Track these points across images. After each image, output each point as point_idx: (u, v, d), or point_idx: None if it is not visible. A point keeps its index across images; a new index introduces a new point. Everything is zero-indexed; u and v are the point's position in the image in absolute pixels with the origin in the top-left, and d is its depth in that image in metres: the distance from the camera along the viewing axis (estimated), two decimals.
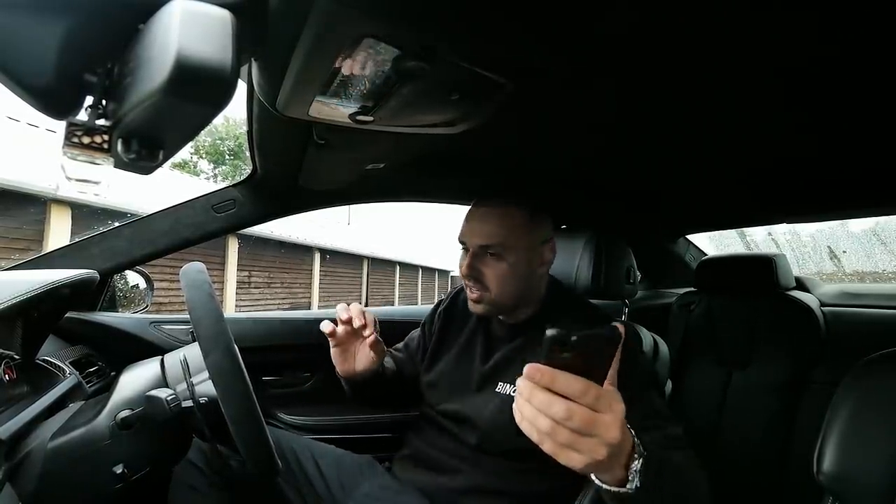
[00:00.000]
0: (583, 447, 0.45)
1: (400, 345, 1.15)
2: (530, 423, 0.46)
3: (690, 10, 0.46)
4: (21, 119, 5.06)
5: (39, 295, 0.81)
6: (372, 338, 0.88)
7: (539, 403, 0.45)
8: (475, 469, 0.85)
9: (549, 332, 0.44)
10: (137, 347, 1.19)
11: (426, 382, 1.01)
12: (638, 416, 0.68)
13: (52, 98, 0.39)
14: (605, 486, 0.50)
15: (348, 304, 0.89)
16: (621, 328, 0.46)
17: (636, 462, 0.49)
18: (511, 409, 0.51)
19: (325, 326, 0.88)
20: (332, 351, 0.92)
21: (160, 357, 0.89)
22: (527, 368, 0.45)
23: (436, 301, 1.17)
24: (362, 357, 0.92)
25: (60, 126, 0.42)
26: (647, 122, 0.80)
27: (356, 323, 0.85)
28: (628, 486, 0.48)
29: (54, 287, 0.85)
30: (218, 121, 15.03)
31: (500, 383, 0.87)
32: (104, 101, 0.42)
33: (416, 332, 1.15)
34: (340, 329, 0.88)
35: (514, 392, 0.62)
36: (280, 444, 0.95)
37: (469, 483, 0.84)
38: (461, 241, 0.91)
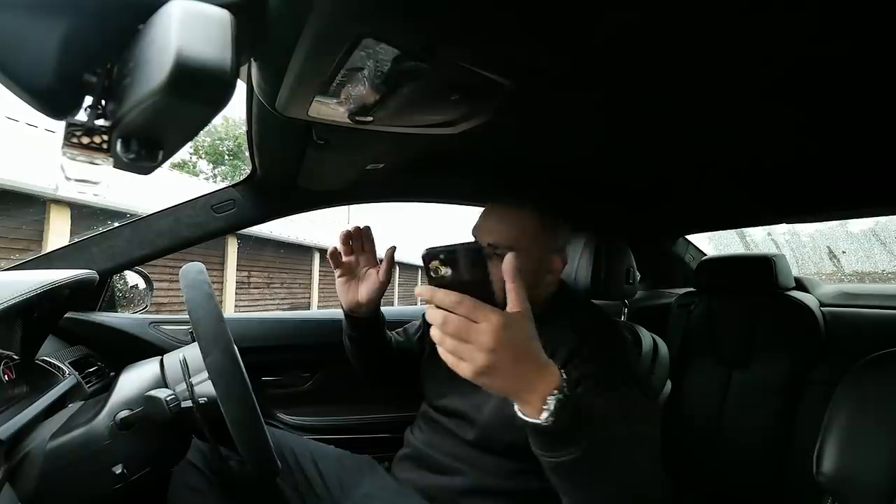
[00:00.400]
0: (464, 354, 0.50)
1: (399, 329, 1.17)
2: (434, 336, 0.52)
3: (690, 10, 0.46)
4: (20, 119, 5.06)
5: (39, 295, 0.81)
6: (371, 260, 0.95)
7: (429, 317, 0.52)
8: (474, 468, 0.85)
9: (423, 251, 0.51)
10: (137, 348, 1.19)
11: (426, 378, 1.01)
12: (609, 407, 0.69)
13: (51, 98, 0.39)
14: (520, 413, 0.54)
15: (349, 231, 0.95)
16: (511, 259, 0.53)
17: (552, 398, 0.52)
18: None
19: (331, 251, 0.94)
20: (337, 282, 0.96)
21: (160, 357, 0.89)
22: (417, 289, 0.53)
23: None
24: (366, 285, 0.94)
25: (60, 126, 0.42)
26: (646, 122, 0.80)
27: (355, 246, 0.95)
28: (542, 416, 0.52)
29: (54, 287, 0.85)
30: (217, 121, 15.02)
31: None
32: (104, 101, 0.42)
33: (415, 322, 1.18)
34: (344, 259, 0.95)
35: None
36: (280, 444, 0.95)
37: (468, 482, 0.84)
38: (473, 237, 0.92)
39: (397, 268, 12.59)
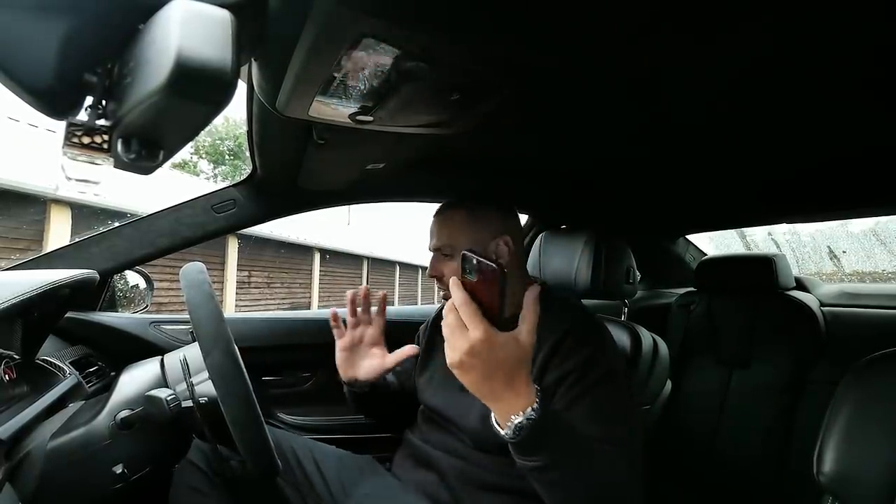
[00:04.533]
0: (449, 343, 0.57)
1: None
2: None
3: (689, 10, 0.46)
4: (21, 119, 5.06)
5: (39, 295, 0.81)
6: (376, 338, 0.94)
7: (452, 296, 0.58)
8: (473, 466, 0.85)
9: (463, 252, 0.59)
10: (137, 347, 1.19)
11: (419, 383, 1.02)
12: (585, 408, 0.73)
13: (52, 98, 0.39)
14: (494, 424, 0.60)
15: (357, 295, 0.94)
16: (535, 291, 0.59)
17: (518, 418, 0.57)
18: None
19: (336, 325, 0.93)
20: (338, 355, 0.94)
21: (160, 357, 0.89)
22: (452, 278, 0.59)
23: (435, 301, 1.18)
24: (368, 364, 0.93)
25: (60, 126, 0.42)
26: (646, 122, 0.80)
27: (363, 318, 0.94)
28: (504, 431, 0.58)
29: (54, 287, 0.85)
30: (218, 121, 15.02)
31: None
32: (104, 101, 0.42)
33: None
34: (347, 332, 0.93)
35: None
36: (280, 444, 0.95)
37: (468, 480, 0.84)
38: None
39: (397, 267, 12.60)
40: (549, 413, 0.59)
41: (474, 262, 0.57)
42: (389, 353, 0.95)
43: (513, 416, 0.57)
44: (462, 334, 0.55)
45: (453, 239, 0.91)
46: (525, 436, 0.57)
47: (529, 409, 0.57)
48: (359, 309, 0.94)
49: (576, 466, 0.62)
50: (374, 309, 0.97)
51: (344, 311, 0.95)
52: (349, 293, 0.94)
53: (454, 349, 0.56)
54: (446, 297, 0.93)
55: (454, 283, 0.58)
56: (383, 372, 0.93)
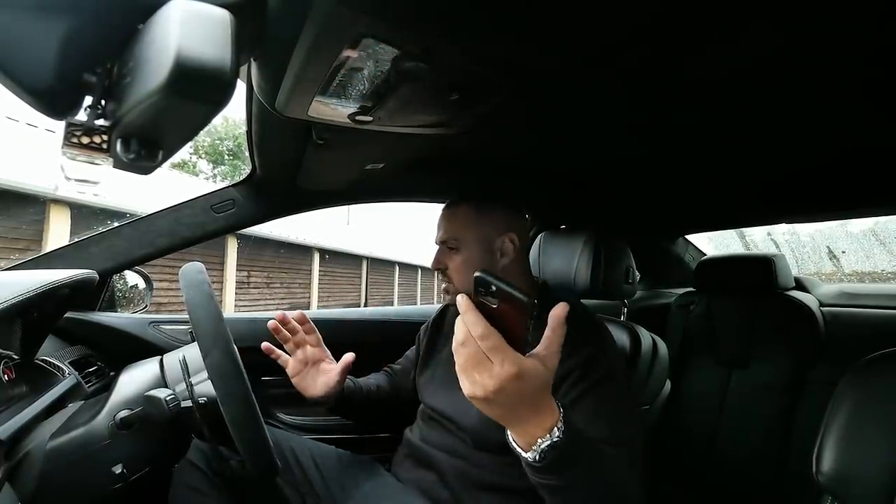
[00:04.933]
0: (468, 378, 0.51)
1: (400, 360, 1.17)
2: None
3: (689, 11, 0.46)
4: (20, 119, 5.05)
5: (39, 295, 0.81)
6: (319, 353, 0.96)
7: (457, 327, 0.52)
8: (473, 466, 0.85)
9: (477, 273, 0.51)
10: (136, 347, 1.19)
11: (419, 383, 1.02)
12: (588, 407, 0.72)
13: (51, 98, 0.39)
14: (511, 440, 0.56)
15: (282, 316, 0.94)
16: (563, 309, 0.52)
17: (545, 441, 0.53)
18: None
19: (266, 347, 0.93)
20: (293, 380, 0.95)
21: (159, 357, 0.89)
22: (459, 297, 0.52)
23: (435, 301, 1.18)
24: (324, 380, 0.94)
25: (60, 126, 0.42)
26: (646, 122, 0.80)
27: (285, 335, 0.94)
28: (528, 454, 0.54)
29: (54, 287, 0.85)
30: (217, 121, 15.01)
31: None
32: (104, 101, 0.42)
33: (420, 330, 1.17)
34: (291, 360, 0.95)
35: None
36: (279, 444, 0.95)
37: (468, 480, 0.84)
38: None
39: (397, 267, 12.60)
40: (574, 432, 0.56)
41: (493, 287, 0.50)
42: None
43: (539, 440, 0.53)
44: (486, 368, 0.50)
45: (460, 232, 0.92)
46: (551, 458, 0.54)
47: (555, 429, 0.54)
48: (294, 333, 0.95)
49: (590, 479, 0.60)
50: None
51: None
52: (270, 323, 0.93)
53: (476, 383, 0.51)
54: (446, 291, 0.95)
55: (469, 308, 0.51)
56: (337, 385, 0.94)
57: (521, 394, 0.50)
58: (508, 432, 0.56)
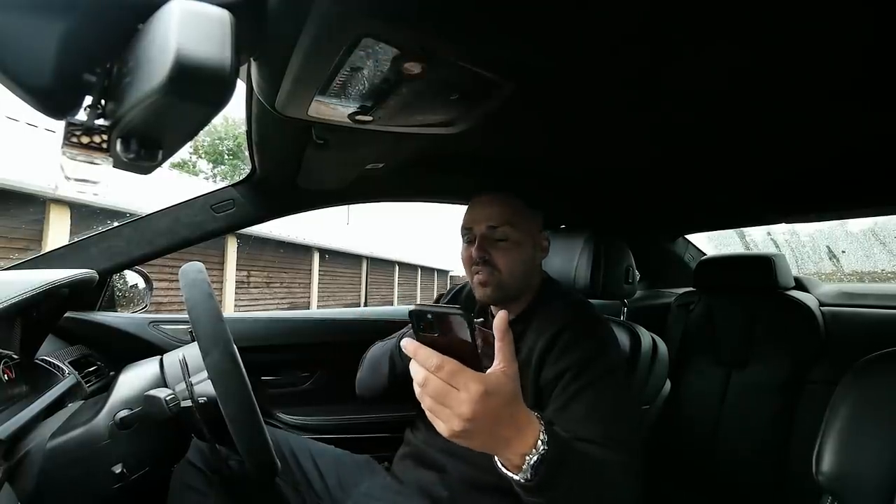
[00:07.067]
0: (441, 415, 0.50)
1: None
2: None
3: (689, 11, 0.46)
4: (20, 119, 5.05)
5: (39, 295, 0.81)
6: None
7: (412, 373, 0.52)
8: (473, 466, 0.85)
9: (411, 308, 0.51)
10: (136, 347, 1.19)
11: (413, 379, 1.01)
12: (582, 406, 0.72)
13: (51, 98, 0.39)
14: (499, 465, 0.55)
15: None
16: (502, 318, 0.52)
17: (533, 456, 0.52)
18: None
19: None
20: None
21: (159, 357, 0.89)
22: (403, 342, 0.52)
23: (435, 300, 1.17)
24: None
25: (60, 126, 0.42)
26: (646, 122, 0.80)
27: None
28: (520, 475, 0.53)
29: (53, 287, 0.85)
30: (217, 121, 15.00)
31: None
32: (103, 101, 0.42)
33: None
34: None
35: None
36: (279, 444, 0.95)
37: (468, 480, 0.84)
38: (465, 230, 0.92)
39: (396, 267, 12.60)
40: (558, 440, 0.56)
41: (429, 316, 0.50)
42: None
43: (527, 457, 0.52)
44: (453, 398, 0.49)
45: (515, 218, 0.88)
46: (543, 473, 0.53)
47: (539, 443, 0.53)
48: None
49: (583, 490, 0.59)
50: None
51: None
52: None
53: (450, 417, 0.49)
54: (486, 283, 0.87)
55: (416, 347, 0.50)
56: None
57: (496, 411, 0.50)
58: (497, 459, 0.55)
